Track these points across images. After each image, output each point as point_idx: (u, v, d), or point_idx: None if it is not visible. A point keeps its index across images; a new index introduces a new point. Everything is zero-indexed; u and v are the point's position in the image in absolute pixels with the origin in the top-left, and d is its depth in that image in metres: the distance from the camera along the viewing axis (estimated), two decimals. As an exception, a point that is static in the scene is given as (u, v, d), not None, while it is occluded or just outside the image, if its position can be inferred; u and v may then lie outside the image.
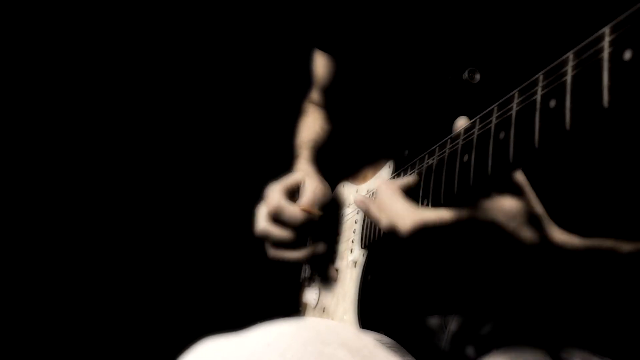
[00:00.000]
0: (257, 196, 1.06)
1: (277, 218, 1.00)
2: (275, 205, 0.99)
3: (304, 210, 1.00)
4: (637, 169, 0.77)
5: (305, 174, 1.09)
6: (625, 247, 0.71)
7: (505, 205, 0.65)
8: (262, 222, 1.03)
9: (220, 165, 1.93)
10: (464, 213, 0.66)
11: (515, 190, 0.65)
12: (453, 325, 0.94)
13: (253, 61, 1.93)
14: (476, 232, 0.66)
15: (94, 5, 1.81)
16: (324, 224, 1.08)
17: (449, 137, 0.72)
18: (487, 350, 0.89)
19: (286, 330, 0.79)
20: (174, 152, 1.94)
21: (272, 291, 1.21)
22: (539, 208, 0.67)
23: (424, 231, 0.68)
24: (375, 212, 0.75)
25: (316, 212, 1.01)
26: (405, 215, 0.69)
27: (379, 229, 0.90)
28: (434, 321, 0.96)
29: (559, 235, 0.69)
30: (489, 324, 0.91)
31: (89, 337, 1.84)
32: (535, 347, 0.86)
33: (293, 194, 1.06)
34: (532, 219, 0.66)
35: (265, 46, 1.93)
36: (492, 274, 0.89)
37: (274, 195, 1.01)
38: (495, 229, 0.65)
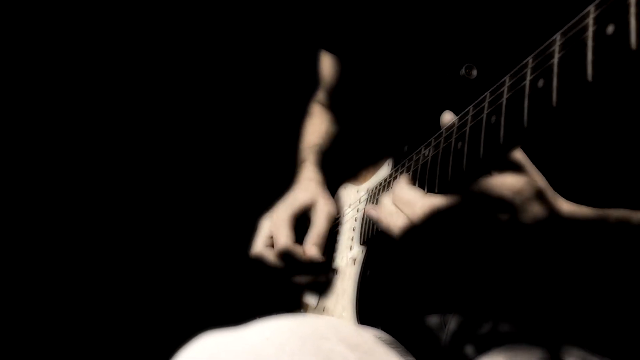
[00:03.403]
0: (259, 195, 1.07)
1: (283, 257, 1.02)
2: (282, 248, 1.01)
3: (309, 258, 1.01)
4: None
5: (315, 194, 1.10)
6: (638, 216, 0.69)
7: (507, 181, 0.64)
8: (260, 245, 1.05)
9: (224, 164, 1.94)
10: (470, 193, 0.65)
11: (515, 167, 0.65)
12: (452, 323, 0.94)
13: (260, 62, 1.95)
14: (485, 212, 0.65)
15: (94, 5, 1.84)
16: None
17: (444, 128, 0.73)
18: (487, 349, 0.88)
19: (285, 325, 0.79)
20: (180, 147, 1.95)
21: (273, 290, 1.21)
22: (542, 181, 0.66)
23: (434, 217, 0.67)
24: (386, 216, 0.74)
25: (321, 258, 1.02)
26: (414, 202, 0.69)
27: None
28: (433, 319, 0.96)
29: (567, 206, 0.67)
30: (488, 322, 0.91)
31: (87, 332, 1.84)
32: (534, 345, 0.85)
33: (302, 217, 1.07)
34: (537, 193, 0.64)
35: (272, 47, 1.94)
36: (492, 270, 0.88)
37: (282, 230, 1.03)
38: (503, 206, 0.64)
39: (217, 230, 1.91)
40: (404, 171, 0.82)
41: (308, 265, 1.02)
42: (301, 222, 1.06)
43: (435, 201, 0.67)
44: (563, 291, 0.87)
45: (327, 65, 1.29)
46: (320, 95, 1.37)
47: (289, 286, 1.07)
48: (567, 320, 0.88)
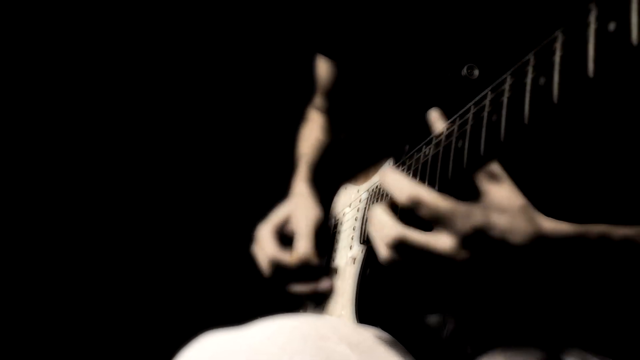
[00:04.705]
0: (258, 195, 1.07)
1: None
2: (270, 258, 1.03)
3: (299, 260, 1.02)
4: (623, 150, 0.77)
5: (294, 206, 1.11)
6: (619, 231, 0.70)
7: (498, 196, 0.65)
8: (266, 270, 1.07)
9: (224, 165, 1.95)
10: (460, 207, 0.66)
11: (497, 181, 0.66)
12: (452, 323, 0.94)
13: (257, 67, 1.95)
14: (469, 231, 0.66)
15: (94, 5, 1.84)
16: (323, 235, 1.10)
17: (449, 121, 0.73)
18: (486, 349, 0.88)
19: (286, 325, 0.79)
20: (179, 149, 1.96)
21: (273, 289, 1.21)
22: (523, 198, 0.67)
23: (416, 208, 0.68)
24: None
25: (313, 258, 1.02)
26: (403, 187, 0.69)
27: None
28: (432, 319, 0.95)
29: (548, 223, 0.68)
30: (488, 322, 0.91)
31: (88, 332, 1.84)
32: (534, 346, 0.85)
33: (283, 230, 1.09)
34: (523, 208, 0.66)
35: (268, 52, 1.95)
36: (489, 274, 0.88)
37: (266, 244, 1.05)
38: (492, 222, 0.65)
39: (217, 230, 1.91)
40: (405, 169, 0.82)
41: (303, 270, 1.03)
42: (285, 239, 1.08)
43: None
44: (562, 291, 0.87)
45: (323, 69, 1.28)
46: (318, 100, 1.36)
47: (290, 297, 1.09)
48: (566, 320, 0.88)
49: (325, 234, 1.11)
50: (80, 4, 1.83)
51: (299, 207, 1.10)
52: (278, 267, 1.04)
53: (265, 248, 1.05)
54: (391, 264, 0.74)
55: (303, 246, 1.03)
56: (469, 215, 0.66)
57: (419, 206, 0.68)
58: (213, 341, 0.77)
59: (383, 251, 0.74)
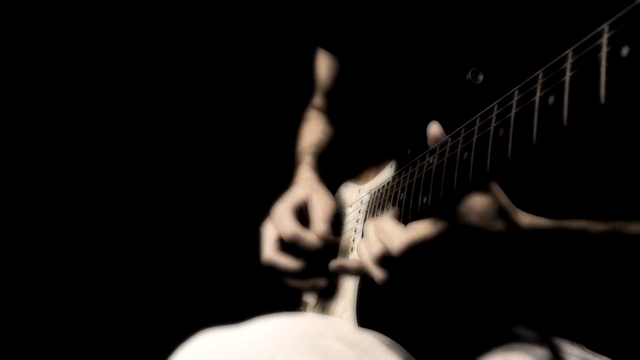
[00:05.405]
0: (256, 195, 1.06)
1: (293, 245, 1.00)
2: (291, 234, 0.99)
3: (322, 238, 0.99)
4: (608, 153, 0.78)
5: (310, 190, 1.08)
6: (598, 227, 0.72)
7: (476, 206, 0.68)
8: (269, 251, 1.03)
9: (223, 164, 1.94)
10: (443, 224, 0.69)
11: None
12: (452, 324, 0.94)
13: (255, 64, 1.93)
14: (458, 240, 0.69)
15: (94, 5, 1.82)
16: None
17: (449, 135, 0.72)
18: (487, 349, 0.89)
19: (283, 323, 0.80)
20: (177, 149, 1.95)
21: (273, 289, 1.21)
22: (504, 199, 0.70)
23: (413, 250, 0.71)
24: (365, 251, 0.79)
25: (333, 239, 1.01)
26: (393, 235, 0.73)
27: None
28: (433, 320, 0.96)
29: (525, 218, 0.71)
30: (487, 321, 0.91)
31: (87, 330, 1.84)
32: (534, 345, 0.86)
33: (301, 212, 1.05)
34: (500, 211, 0.69)
35: (267, 48, 1.93)
36: (484, 274, 0.89)
37: (286, 220, 1.01)
38: (472, 232, 0.69)
39: (215, 229, 1.90)
40: (408, 177, 0.82)
41: (321, 253, 1.01)
42: (302, 221, 1.04)
43: (412, 234, 0.71)
44: (562, 288, 0.88)
45: (324, 65, 1.26)
46: (317, 99, 1.35)
47: (300, 290, 1.07)
48: (565, 318, 0.88)
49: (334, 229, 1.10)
50: (80, 3, 1.81)
51: (316, 193, 1.07)
52: (294, 246, 1.00)
53: (284, 223, 1.01)
54: (386, 283, 0.77)
55: (324, 229, 1.00)
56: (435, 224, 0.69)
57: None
58: (210, 339, 0.77)
59: (375, 272, 0.78)
